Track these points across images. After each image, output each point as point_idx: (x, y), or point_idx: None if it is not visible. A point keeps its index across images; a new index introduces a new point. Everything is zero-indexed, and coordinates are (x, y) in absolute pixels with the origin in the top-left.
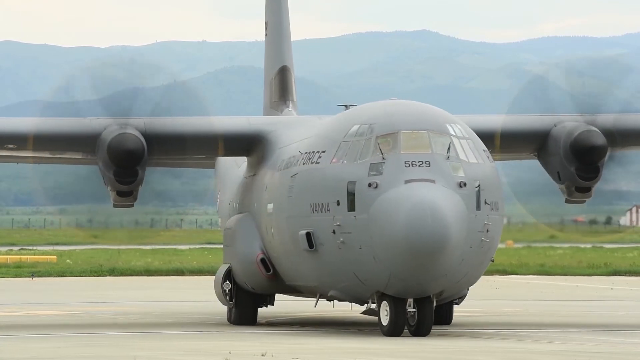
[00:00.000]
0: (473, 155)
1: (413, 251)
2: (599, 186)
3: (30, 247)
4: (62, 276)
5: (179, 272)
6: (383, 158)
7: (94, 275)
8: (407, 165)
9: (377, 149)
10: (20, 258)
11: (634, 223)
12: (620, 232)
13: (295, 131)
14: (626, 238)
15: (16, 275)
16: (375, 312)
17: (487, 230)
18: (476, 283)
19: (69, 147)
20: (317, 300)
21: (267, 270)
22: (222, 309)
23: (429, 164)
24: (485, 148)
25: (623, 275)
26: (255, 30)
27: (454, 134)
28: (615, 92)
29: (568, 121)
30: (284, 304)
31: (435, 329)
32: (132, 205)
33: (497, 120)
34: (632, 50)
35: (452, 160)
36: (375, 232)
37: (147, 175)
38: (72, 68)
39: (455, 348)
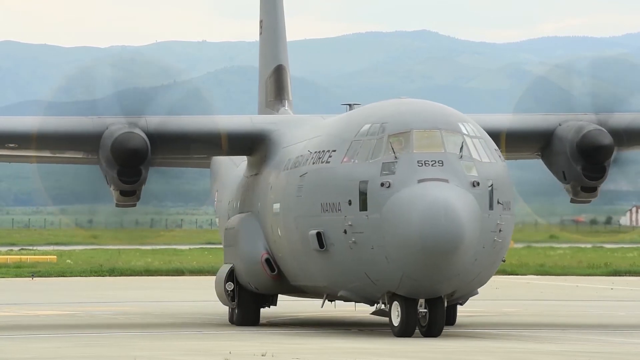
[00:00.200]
0: (485, 155)
1: (427, 251)
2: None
3: (30, 247)
4: (62, 276)
5: (179, 272)
6: (395, 157)
7: (94, 275)
8: (420, 164)
9: (389, 148)
10: (20, 258)
11: (634, 223)
12: (621, 232)
13: (300, 130)
14: (626, 238)
15: (16, 275)
16: (386, 313)
17: (500, 230)
18: None
19: (71, 146)
20: (324, 301)
21: (272, 270)
22: (222, 309)
23: (442, 163)
24: (496, 147)
25: (623, 275)
26: (255, 31)
27: (467, 133)
28: (615, 91)
29: (573, 120)
30: (284, 304)
31: None
32: (134, 205)
33: (503, 119)
34: (633, 50)
35: (465, 160)
36: (388, 232)
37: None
38: (72, 68)
39: (455, 348)
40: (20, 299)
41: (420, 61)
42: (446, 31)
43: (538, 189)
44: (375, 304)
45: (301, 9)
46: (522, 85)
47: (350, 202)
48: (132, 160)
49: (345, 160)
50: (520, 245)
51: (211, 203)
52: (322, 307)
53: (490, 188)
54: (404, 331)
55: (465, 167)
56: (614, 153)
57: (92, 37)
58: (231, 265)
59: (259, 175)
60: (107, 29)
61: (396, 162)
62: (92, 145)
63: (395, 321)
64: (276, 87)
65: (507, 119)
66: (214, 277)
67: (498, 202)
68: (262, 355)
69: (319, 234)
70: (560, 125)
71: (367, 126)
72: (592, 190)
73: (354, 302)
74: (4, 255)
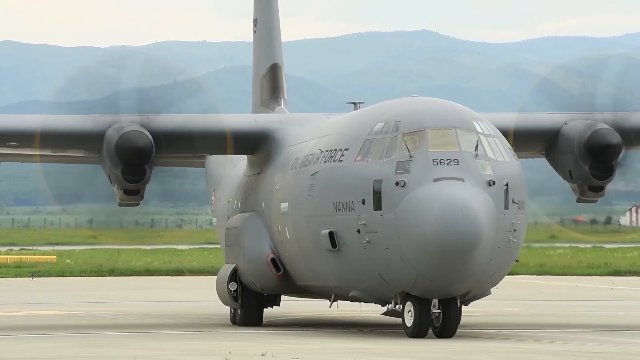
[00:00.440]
0: (500, 153)
1: (444, 251)
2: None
3: (30, 247)
4: (62, 276)
5: (179, 272)
6: (410, 156)
7: (94, 275)
8: (435, 163)
9: (403, 146)
10: (20, 258)
11: (634, 223)
12: (621, 232)
13: (305, 129)
14: (626, 238)
15: (16, 275)
16: (398, 313)
17: (515, 230)
18: None
19: (73, 145)
20: (332, 301)
21: (278, 270)
22: (222, 310)
23: (458, 162)
24: (510, 146)
25: (623, 275)
26: None
27: (481, 132)
28: (616, 92)
29: (579, 119)
30: (284, 305)
31: None
32: (138, 204)
33: (509, 118)
34: (633, 50)
35: (481, 158)
36: (403, 232)
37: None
38: (72, 68)
39: (455, 348)
40: (20, 299)
41: (420, 61)
42: (446, 31)
43: (540, 189)
44: (387, 305)
45: (301, 9)
46: (522, 85)
47: (364, 202)
48: (137, 159)
49: (358, 159)
50: None
51: (208, 202)
52: (330, 307)
53: (505, 187)
54: (417, 332)
55: (480, 165)
56: (622, 152)
57: (92, 37)
58: (234, 265)
59: (262, 175)
60: (107, 29)
61: (411, 160)
62: (94, 143)
63: (409, 322)
64: (271, 86)
65: (513, 118)
66: (214, 277)
67: (513, 202)
68: (262, 355)
69: (331, 234)
70: (566, 124)
71: (380, 124)
72: (599, 189)
73: (363, 303)
74: (4, 255)
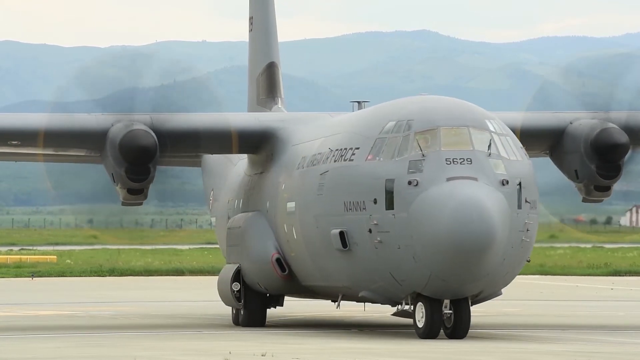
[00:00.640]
0: (513, 152)
1: (458, 250)
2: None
3: (30, 247)
4: (62, 276)
5: (179, 272)
6: (423, 155)
7: (94, 275)
8: (449, 162)
9: (416, 145)
10: (20, 258)
11: (634, 223)
12: (621, 232)
13: (311, 128)
14: (626, 238)
15: (16, 275)
16: (409, 314)
17: (527, 230)
18: None
19: (76, 144)
20: (339, 301)
21: (283, 270)
22: (223, 310)
23: (471, 161)
24: (521, 145)
25: (623, 275)
26: None
27: (494, 130)
28: (616, 92)
29: (585, 119)
30: (287, 305)
31: None
32: (141, 204)
33: (515, 117)
34: (632, 50)
35: (494, 158)
36: (416, 231)
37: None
38: (72, 68)
39: (454, 348)
40: (20, 299)
41: (420, 61)
42: (446, 31)
43: (543, 189)
44: (397, 305)
45: (301, 9)
46: (522, 85)
47: (375, 201)
48: (142, 158)
49: (369, 158)
50: None
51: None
52: (337, 307)
53: (518, 187)
54: (429, 332)
55: (493, 165)
56: (629, 152)
57: (92, 37)
58: (237, 265)
59: (266, 174)
60: (107, 29)
61: (424, 160)
62: (96, 142)
63: (420, 322)
64: (268, 85)
65: (519, 117)
66: (214, 277)
67: (526, 201)
68: (262, 355)
69: (342, 233)
70: (571, 123)
71: (391, 123)
72: (605, 189)
73: (373, 303)
74: (4, 255)
